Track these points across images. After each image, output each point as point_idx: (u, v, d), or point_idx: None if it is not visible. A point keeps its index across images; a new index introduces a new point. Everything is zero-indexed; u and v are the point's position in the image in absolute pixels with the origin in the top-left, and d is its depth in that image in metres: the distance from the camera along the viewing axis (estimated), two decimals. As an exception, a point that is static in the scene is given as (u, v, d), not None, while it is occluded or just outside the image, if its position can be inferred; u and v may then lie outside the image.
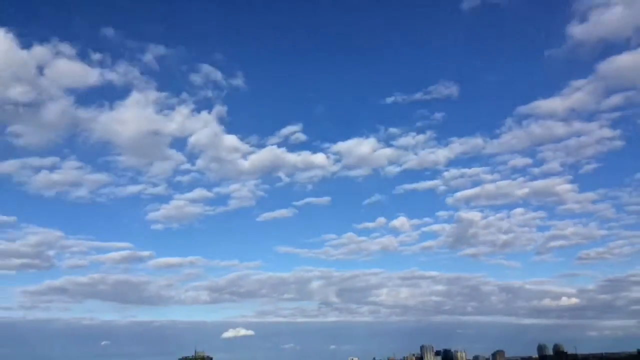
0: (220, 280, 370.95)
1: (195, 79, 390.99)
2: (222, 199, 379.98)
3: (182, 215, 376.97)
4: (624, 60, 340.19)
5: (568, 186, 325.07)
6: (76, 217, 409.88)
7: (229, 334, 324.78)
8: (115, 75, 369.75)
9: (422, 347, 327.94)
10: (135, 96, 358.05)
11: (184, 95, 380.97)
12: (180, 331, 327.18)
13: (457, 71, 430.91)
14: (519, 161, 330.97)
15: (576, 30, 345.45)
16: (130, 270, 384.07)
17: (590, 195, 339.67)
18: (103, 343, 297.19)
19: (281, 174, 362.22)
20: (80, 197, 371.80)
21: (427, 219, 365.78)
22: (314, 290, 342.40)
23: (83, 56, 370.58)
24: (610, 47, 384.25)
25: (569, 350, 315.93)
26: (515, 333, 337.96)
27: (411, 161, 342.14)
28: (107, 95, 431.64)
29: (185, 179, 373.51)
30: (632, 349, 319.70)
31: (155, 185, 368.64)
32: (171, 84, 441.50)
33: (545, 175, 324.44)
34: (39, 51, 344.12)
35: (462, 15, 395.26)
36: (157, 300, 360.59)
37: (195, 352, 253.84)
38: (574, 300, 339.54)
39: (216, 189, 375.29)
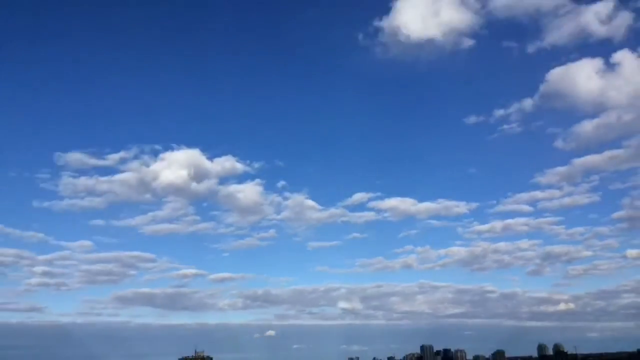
0: (259, 290, 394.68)
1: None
2: (287, 234, 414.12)
3: (251, 245, 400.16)
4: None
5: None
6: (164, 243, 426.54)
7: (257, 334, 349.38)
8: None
9: (422, 347, 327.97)
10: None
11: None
12: (214, 332, 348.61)
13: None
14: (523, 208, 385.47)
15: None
16: (187, 285, 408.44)
17: (578, 229, 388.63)
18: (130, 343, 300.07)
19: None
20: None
21: (445, 247, 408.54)
22: (337, 298, 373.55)
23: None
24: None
25: (569, 350, 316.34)
26: (515, 333, 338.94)
27: (441, 210, 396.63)
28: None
29: (266, 224, 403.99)
30: (632, 348, 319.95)
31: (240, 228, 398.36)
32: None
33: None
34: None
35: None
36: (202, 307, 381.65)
37: (195, 352, 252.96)
38: (571, 305, 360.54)
39: (285, 229, 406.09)
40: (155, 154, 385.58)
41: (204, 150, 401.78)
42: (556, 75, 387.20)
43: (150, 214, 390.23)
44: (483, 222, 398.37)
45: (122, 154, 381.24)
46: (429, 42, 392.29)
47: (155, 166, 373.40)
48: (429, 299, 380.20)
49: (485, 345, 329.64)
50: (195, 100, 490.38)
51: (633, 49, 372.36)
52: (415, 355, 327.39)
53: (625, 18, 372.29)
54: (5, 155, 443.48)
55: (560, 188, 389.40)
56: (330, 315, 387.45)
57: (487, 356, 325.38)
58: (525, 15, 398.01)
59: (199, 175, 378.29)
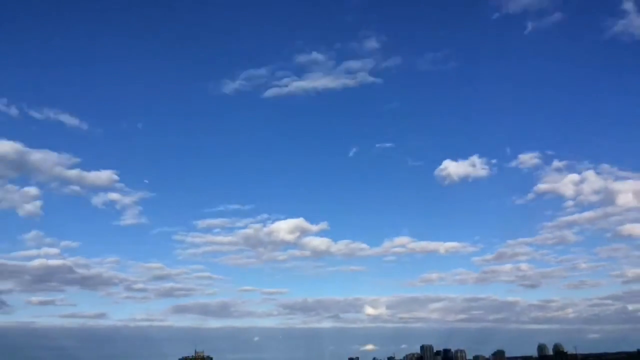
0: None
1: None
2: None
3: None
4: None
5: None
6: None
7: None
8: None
9: (422, 347, 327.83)
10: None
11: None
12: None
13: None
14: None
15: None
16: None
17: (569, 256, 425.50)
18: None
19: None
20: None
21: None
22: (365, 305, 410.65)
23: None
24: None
25: (569, 350, 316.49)
26: (516, 334, 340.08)
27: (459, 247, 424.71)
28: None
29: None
30: (632, 349, 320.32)
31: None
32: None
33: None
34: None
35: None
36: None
37: (195, 352, 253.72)
38: (569, 311, 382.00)
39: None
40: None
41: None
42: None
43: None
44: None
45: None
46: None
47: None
48: (439, 307, 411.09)
49: (486, 345, 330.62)
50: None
51: None
52: (415, 355, 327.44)
53: None
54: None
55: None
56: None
57: (487, 356, 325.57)
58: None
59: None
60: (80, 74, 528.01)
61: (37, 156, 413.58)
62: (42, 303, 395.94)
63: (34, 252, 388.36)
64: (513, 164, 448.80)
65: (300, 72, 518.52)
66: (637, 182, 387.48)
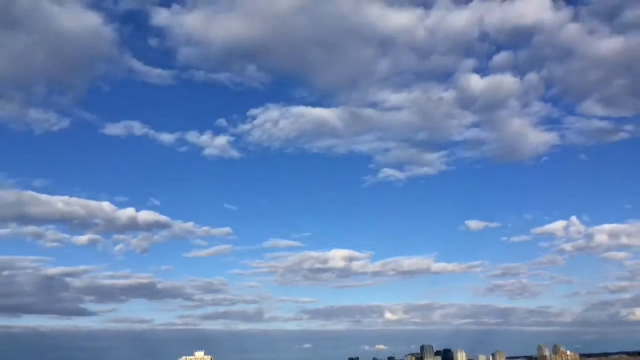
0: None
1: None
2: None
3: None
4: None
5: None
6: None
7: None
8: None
9: (422, 347, 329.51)
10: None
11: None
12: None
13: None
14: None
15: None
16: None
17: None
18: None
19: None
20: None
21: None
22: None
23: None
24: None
25: (569, 350, 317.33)
26: (516, 334, 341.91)
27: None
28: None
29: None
30: (632, 349, 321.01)
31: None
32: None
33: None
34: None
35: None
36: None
37: (195, 352, 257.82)
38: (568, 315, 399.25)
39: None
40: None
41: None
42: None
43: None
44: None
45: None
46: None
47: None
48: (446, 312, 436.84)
49: (486, 345, 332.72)
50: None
51: None
52: (415, 355, 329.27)
53: None
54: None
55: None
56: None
57: (487, 356, 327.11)
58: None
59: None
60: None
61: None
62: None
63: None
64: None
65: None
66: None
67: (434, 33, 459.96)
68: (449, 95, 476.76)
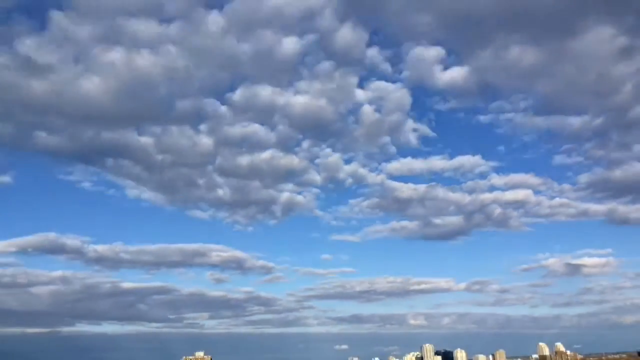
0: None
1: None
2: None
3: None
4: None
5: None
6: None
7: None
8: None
9: (422, 347, 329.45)
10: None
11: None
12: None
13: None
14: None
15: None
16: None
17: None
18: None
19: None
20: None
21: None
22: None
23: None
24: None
25: (569, 350, 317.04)
26: (516, 334, 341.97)
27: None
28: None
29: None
30: (632, 349, 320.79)
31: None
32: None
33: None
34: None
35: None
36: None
37: (195, 353, 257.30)
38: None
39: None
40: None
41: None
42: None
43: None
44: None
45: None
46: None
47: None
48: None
49: (486, 345, 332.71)
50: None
51: None
52: (416, 355, 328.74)
53: None
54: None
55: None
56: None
57: (487, 356, 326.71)
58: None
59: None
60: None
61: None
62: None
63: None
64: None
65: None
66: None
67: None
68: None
